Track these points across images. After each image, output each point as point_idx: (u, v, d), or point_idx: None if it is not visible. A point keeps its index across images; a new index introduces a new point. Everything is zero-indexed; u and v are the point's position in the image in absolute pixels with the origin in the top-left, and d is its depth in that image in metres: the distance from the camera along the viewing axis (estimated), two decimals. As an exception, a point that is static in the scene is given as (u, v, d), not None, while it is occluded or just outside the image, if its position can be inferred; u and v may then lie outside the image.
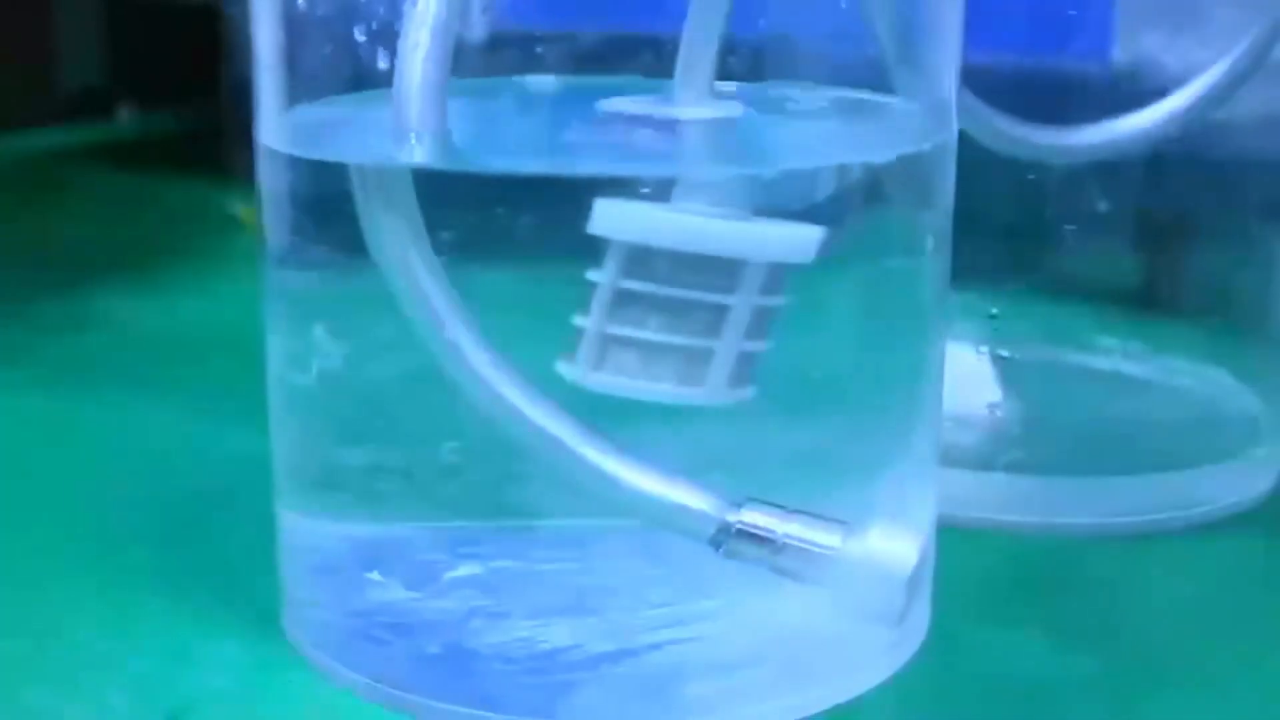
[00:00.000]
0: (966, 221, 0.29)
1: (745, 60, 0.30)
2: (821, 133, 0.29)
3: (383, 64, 0.28)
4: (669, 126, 0.28)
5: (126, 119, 0.84)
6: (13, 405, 0.42)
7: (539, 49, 0.31)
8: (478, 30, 0.31)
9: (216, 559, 0.32)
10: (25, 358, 0.46)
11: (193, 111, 0.85)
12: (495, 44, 0.31)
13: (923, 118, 0.28)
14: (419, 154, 0.25)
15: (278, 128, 0.27)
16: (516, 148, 0.28)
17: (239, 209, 0.62)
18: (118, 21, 0.83)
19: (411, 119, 0.25)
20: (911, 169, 0.27)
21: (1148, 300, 0.38)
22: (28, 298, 0.52)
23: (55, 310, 0.51)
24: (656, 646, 0.26)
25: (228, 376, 0.44)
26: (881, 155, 0.27)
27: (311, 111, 0.28)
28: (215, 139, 0.80)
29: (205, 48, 0.87)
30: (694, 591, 0.26)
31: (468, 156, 0.26)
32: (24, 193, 0.69)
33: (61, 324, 0.49)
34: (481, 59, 0.31)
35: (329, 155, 0.26)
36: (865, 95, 0.29)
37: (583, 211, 0.25)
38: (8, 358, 0.46)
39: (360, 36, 0.28)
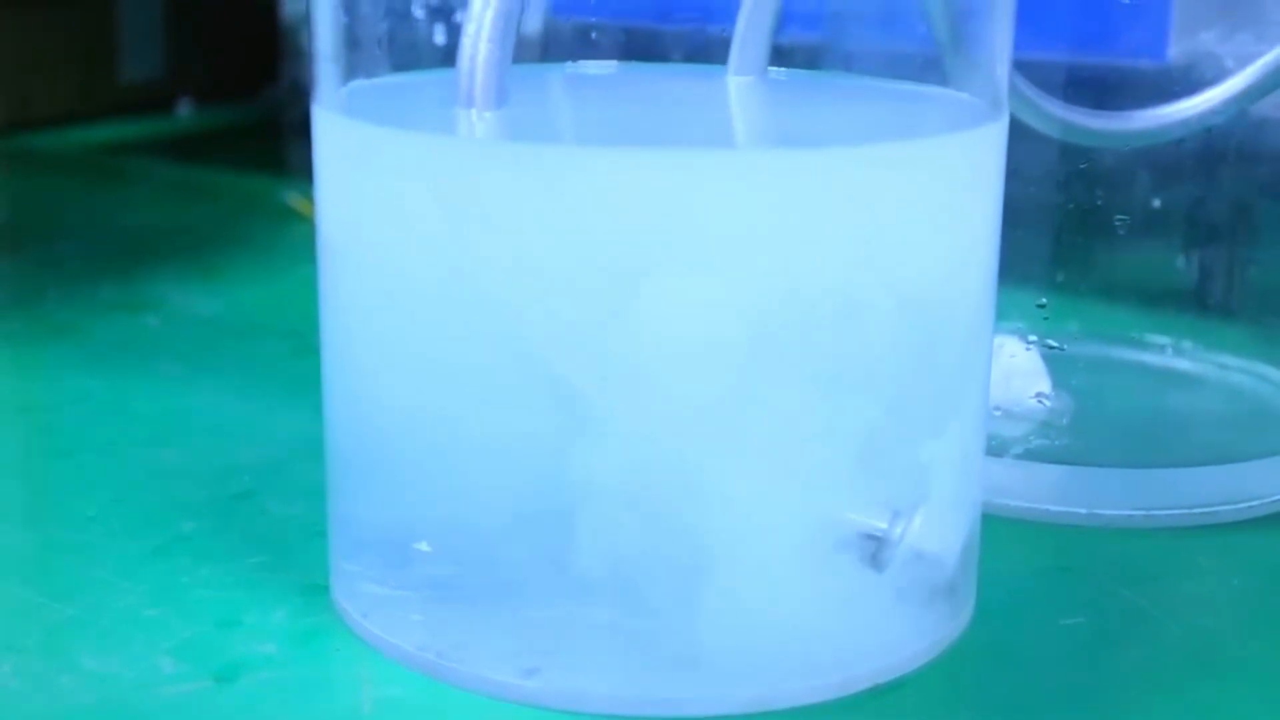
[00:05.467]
0: (1017, 211, 0.29)
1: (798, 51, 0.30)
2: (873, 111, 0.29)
3: (441, 42, 0.28)
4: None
5: (186, 113, 0.85)
6: (69, 382, 0.43)
7: (593, 35, 0.32)
8: (533, 20, 0.32)
9: (266, 531, 0.33)
10: (81, 337, 0.47)
11: (251, 106, 0.86)
12: (550, 33, 0.32)
13: (974, 101, 0.28)
14: (480, 129, 0.26)
15: (335, 98, 0.28)
16: (574, 126, 0.29)
17: (294, 199, 0.63)
18: (179, 17, 0.84)
19: (474, 96, 0.26)
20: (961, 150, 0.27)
21: (1199, 297, 0.37)
22: (85, 281, 0.53)
23: (111, 293, 0.51)
24: (700, 620, 0.26)
25: (279, 359, 0.45)
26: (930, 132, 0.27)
27: (369, 85, 0.28)
28: (273, 134, 0.81)
29: (264, 43, 0.88)
30: (738, 567, 0.26)
31: (527, 133, 0.26)
32: (85, 183, 0.70)
33: (117, 306, 0.50)
34: (537, 49, 0.31)
35: (389, 123, 0.27)
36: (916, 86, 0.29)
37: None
38: (65, 337, 0.47)
39: (419, 14, 0.28)
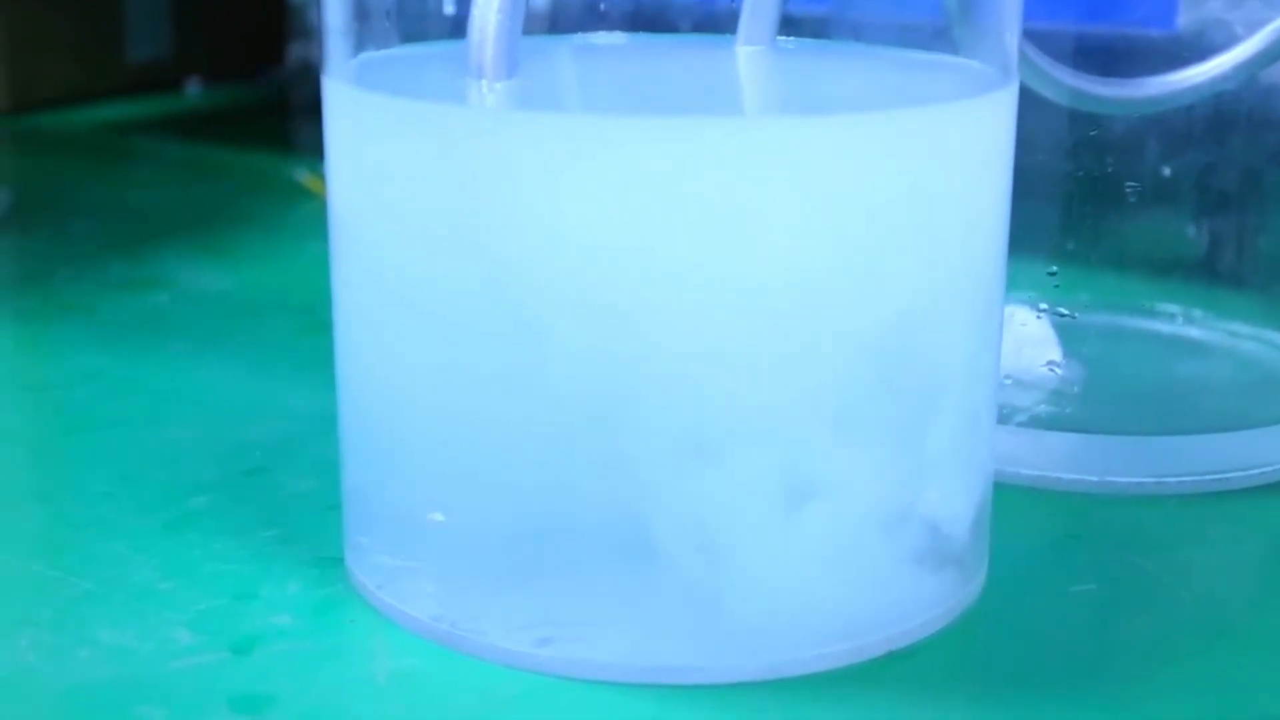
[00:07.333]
0: (1027, 179, 0.29)
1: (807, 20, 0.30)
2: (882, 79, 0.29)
3: (451, 13, 0.28)
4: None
5: (194, 92, 0.85)
6: (79, 360, 0.43)
7: (602, 6, 0.32)
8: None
9: (279, 505, 0.33)
10: (91, 316, 0.47)
11: (259, 85, 0.86)
12: (559, 5, 0.32)
13: (984, 69, 0.28)
14: (490, 99, 0.26)
15: (345, 69, 0.28)
16: (584, 96, 0.29)
17: (305, 177, 0.63)
18: (186, -4, 0.84)
19: (485, 66, 0.26)
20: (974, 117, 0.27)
21: (1210, 264, 0.37)
22: (95, 259, 0.53)
23: (121, 271, 0.51)
24: (714, 590, 0.26)
25: (289, 336, 0.45)
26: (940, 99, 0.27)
27: (379, 56, 0.28)
28: (280, 113, 0.81)
29: (271, 22, 0.88)
30: (751, 536, 0.26)
31: (537, 103, 0.26)
32: (93, 162, 0.70)
33: (127, 284, 0.50)
34: (545, 21, 0.31)
35: (400, 94, 0.27)
36: (926, 54, 0.29)
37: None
38: (75, 315, 0.47)
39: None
